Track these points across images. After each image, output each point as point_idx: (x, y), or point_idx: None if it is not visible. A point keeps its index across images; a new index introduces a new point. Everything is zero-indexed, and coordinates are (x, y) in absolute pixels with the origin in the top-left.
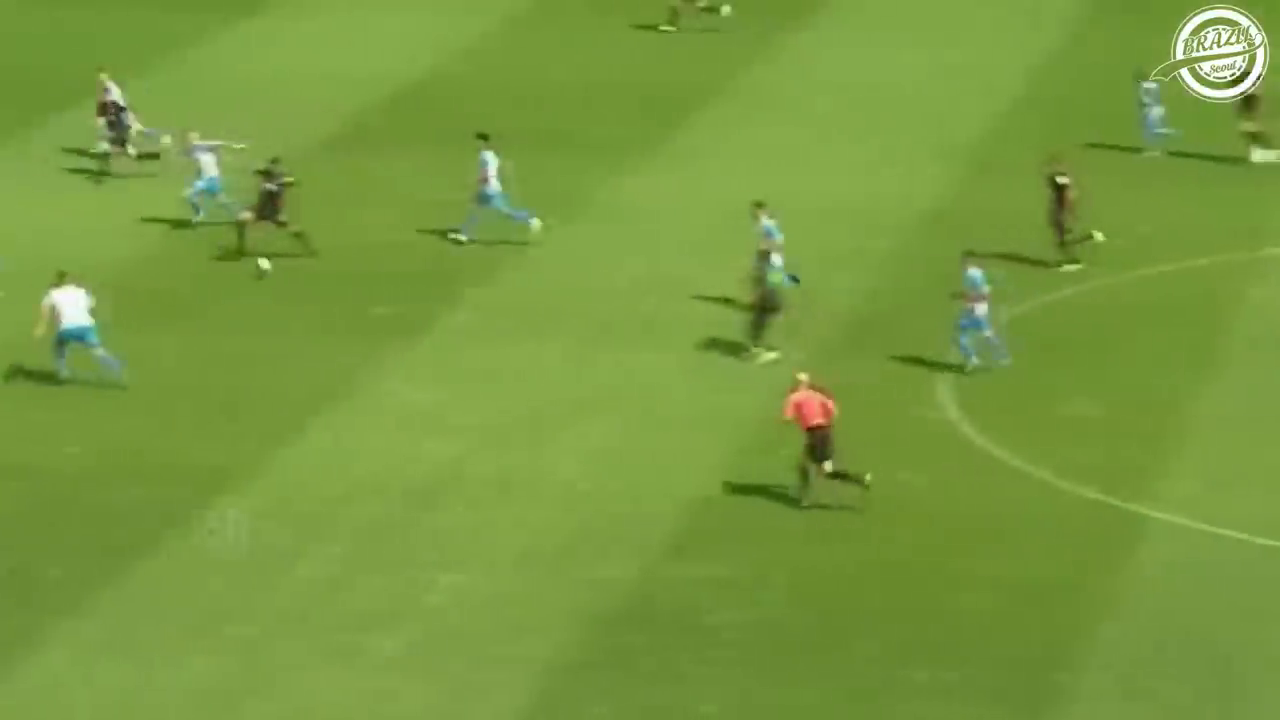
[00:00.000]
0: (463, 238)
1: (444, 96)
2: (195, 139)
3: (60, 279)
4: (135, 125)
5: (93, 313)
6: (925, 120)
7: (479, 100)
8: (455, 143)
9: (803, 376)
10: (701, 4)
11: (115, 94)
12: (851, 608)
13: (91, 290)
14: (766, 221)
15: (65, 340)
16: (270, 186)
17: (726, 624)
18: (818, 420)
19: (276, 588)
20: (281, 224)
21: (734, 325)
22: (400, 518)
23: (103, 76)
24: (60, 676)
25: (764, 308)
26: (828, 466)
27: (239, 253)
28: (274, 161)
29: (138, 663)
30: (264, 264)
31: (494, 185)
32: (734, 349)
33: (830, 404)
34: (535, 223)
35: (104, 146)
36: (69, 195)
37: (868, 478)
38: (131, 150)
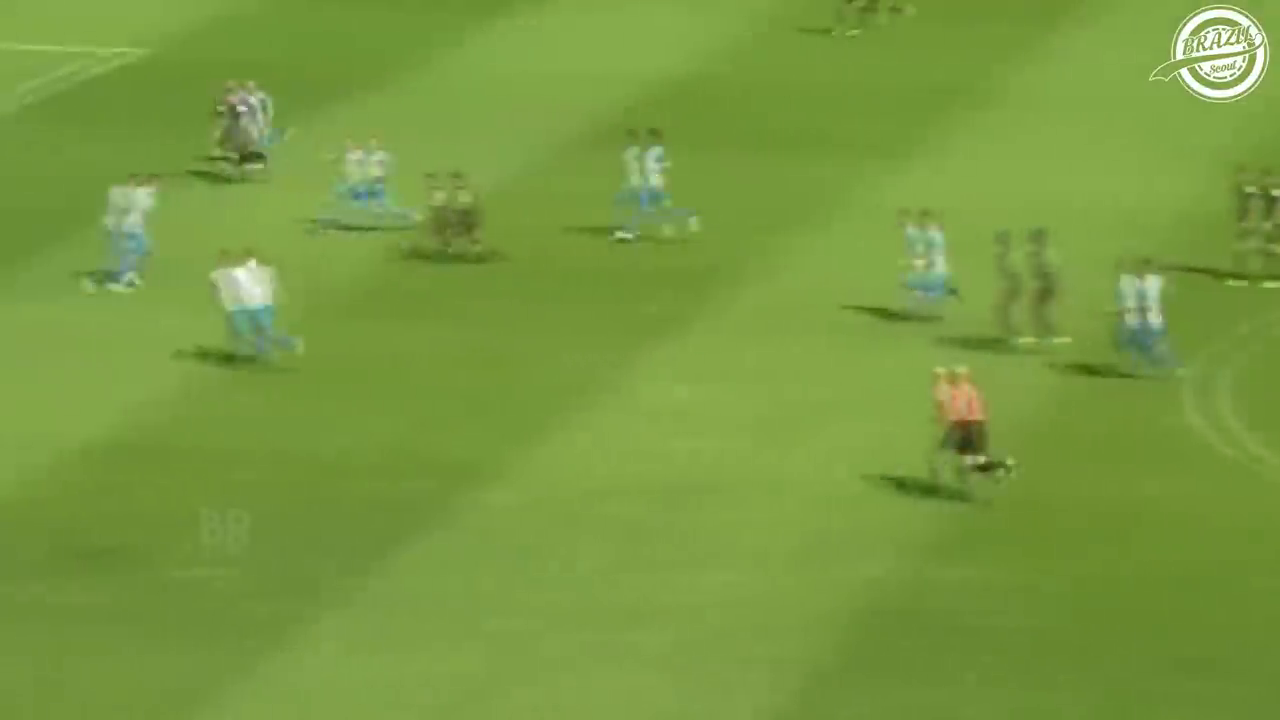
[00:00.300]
0: (628, 235)
1: (701, 95)
2: (369, 145)
3: (241, 257)
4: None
5: (275, 294)
6: (1193, 124)
7: (736, 99)
8: (712, 141)
9: (961, 370)
10: (870, 4)
11: (249, 100)
12: (1120, 616)
13: (276, 271)
14: (924, 230)
15: (243, 318)
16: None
17: (989, 628)
18: (966, 414)
19: (538, 584)
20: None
21: (995, 326)
22: (661, 516)
23: (231, 83)
24: (327, 667)
25: (1044, 291)
26: (974, 460)
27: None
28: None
29: (402, 655)
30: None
31: (656, 181)
32: (996, 350)
33: (979, 398)
34: (693, 221)
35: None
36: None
37: (1009, 460)
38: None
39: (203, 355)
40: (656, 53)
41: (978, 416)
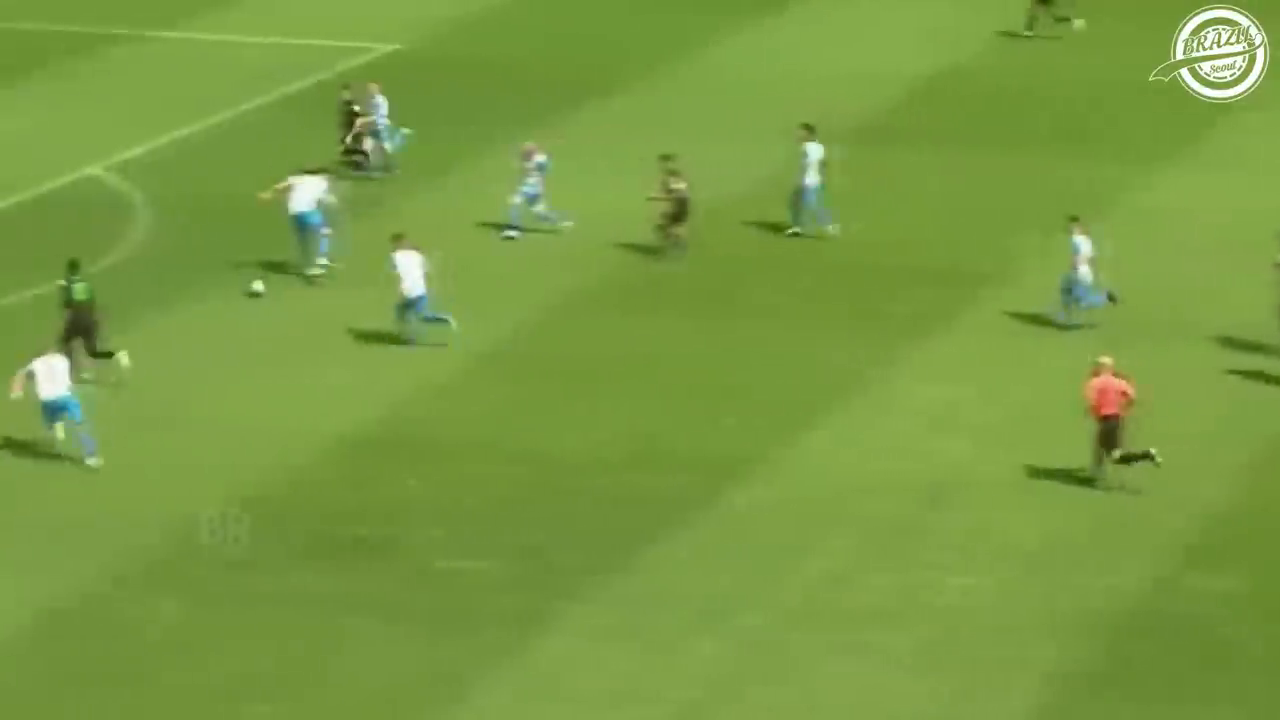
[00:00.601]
0: (797, 229)
1: (963, 93)
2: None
3: (397, 240)
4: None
5: (428, 279)
6: None
7: (994, 97)
8: (973, 140)
9: (1105, 361)
10: (1057, 14)
11: (375, 101)
12: None
13: (429, 255)
14: (1076, 237)
15: (409, 307)
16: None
17: (1241, 638)
18: (1112, 409)
19: (785, 580)
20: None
21: (1260, 331)
22: (911, 516)
23: (372, 87)
24: (570, 659)
25: None
26: (1116, 454)
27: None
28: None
29: (645, 648)
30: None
31: (812, 178)
32: (1258, 356)
33: (1130, 391)
34: (833, 228)
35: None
36: (584, 183)
37: (1154, 452)
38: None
39: (453, 351)
40: (911, 50)
41: (1113, 410)
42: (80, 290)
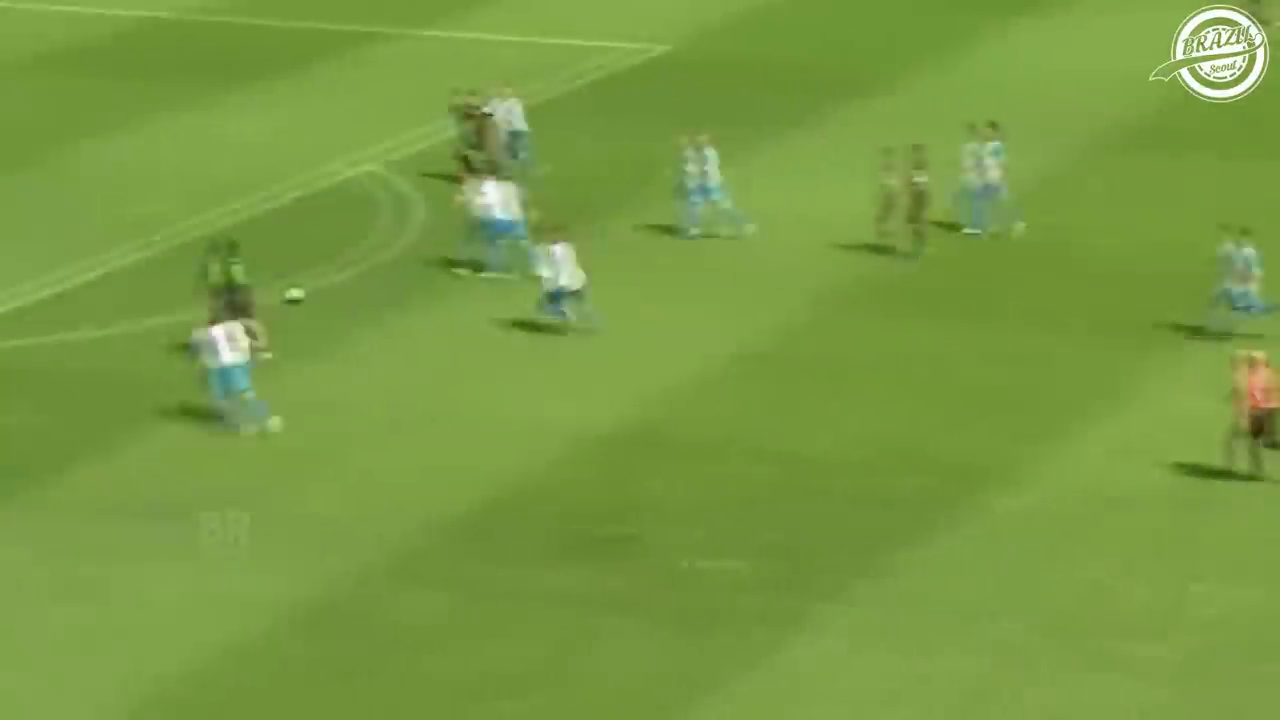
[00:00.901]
0: (976, 230)
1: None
2: (699, 142)
3: (556, 232)
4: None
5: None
6: None
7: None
8: (1240, 147)
9: (1258, 355)
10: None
11: (504, 111)
12: None
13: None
14: (1242, 249)
15: (557, 297)
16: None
17: None
18: (1262, 401)
19: (1043, 588)
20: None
21: None
22: (1174, 526)
23: (506, 91)
24: (821, 662)
25: None
26: (1265, 441)
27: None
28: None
29: (900, 652)
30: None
31: (994, 176)
32: None
33: (1274, 385)
34: (1019, 226)
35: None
36: (843, 181)
37: None
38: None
39: (712, 348)
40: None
41: (1273, 404)
42: (239, 273)
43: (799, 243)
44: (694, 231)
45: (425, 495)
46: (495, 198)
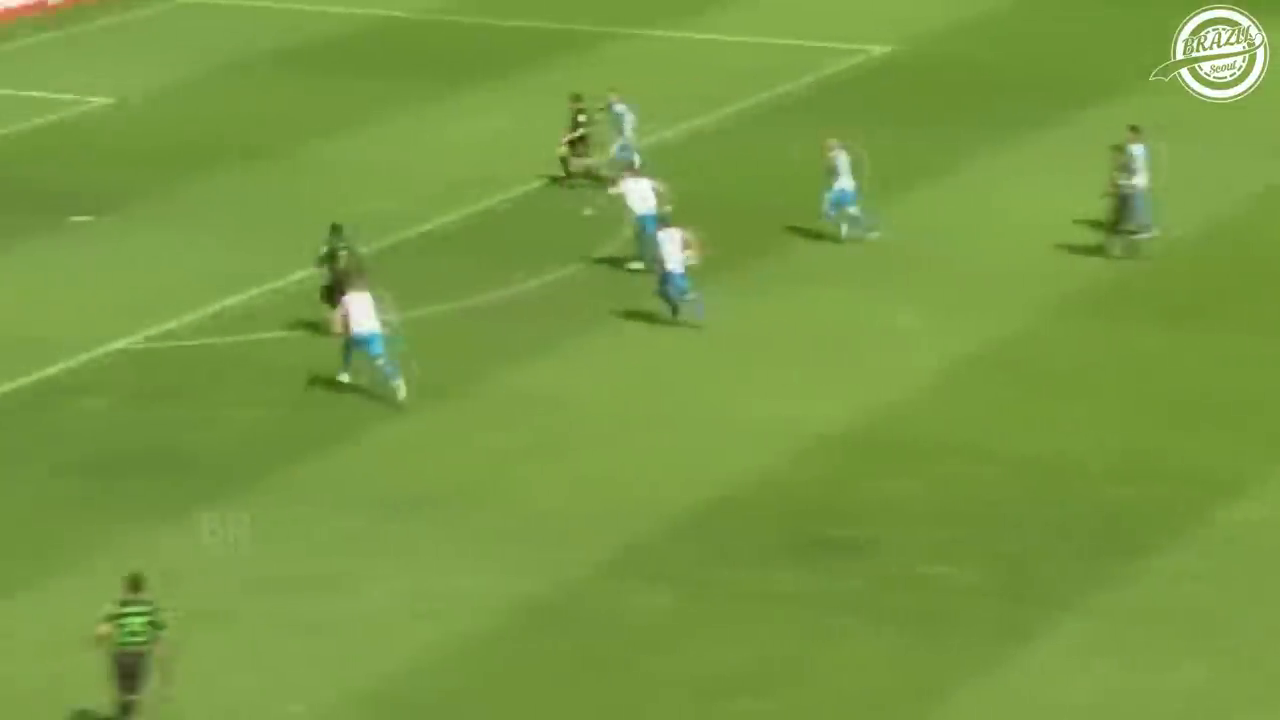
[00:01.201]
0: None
1: None
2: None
3: (665, 221)
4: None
5: (686, 257)
6: None
7: None
8: None
9: None
10: None
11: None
12: None
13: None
14: None
15: (668, 281)
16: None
17: None
18: None
19: (1274, 601)
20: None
21: None
22: None
23: (612, 96)
24: (1052, 672)
25: None
26: None
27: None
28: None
29: (1130, 665)
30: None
31: (1141, 180)
32: None
33: None
34: (1157, 230)
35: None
36: (1077, 186)
37: None
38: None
39: (944, 350)
40: None
41: None
42: (344, 258)
43: (1027, 245)
44: (874, 235)
45: (654, 493)
46: (638, 193)
